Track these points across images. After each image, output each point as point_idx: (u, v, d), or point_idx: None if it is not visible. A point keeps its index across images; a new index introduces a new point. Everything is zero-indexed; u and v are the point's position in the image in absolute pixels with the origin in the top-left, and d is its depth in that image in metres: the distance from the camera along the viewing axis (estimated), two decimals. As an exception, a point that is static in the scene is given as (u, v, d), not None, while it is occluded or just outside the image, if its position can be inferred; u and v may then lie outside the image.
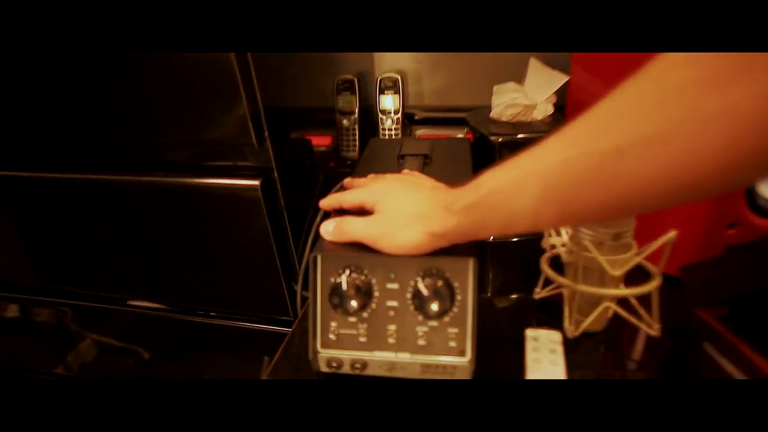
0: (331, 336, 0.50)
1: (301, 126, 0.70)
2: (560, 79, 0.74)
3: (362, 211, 0.50)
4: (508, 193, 0.36)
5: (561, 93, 0.76)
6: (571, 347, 0.53)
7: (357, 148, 0.97)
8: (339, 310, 0.47)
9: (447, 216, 0.42)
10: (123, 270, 0.72)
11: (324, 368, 0.50)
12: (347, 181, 0.60)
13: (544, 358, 0.51)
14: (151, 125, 0.58)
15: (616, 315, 0.56)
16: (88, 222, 0.67)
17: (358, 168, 0.69)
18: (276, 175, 0.59)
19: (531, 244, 0.72)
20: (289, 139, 0.64)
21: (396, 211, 0.45)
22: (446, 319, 0.47)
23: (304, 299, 0.67)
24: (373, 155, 0.73)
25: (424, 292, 0.45)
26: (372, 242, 0.46)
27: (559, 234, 0.56)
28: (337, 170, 0.90)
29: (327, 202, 0.54)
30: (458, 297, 0.47)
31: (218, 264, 0.66)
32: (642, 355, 0.52)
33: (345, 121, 0.97)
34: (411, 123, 0.99)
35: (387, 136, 0.98)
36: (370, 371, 0.50)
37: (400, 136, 0.97)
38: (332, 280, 0.48)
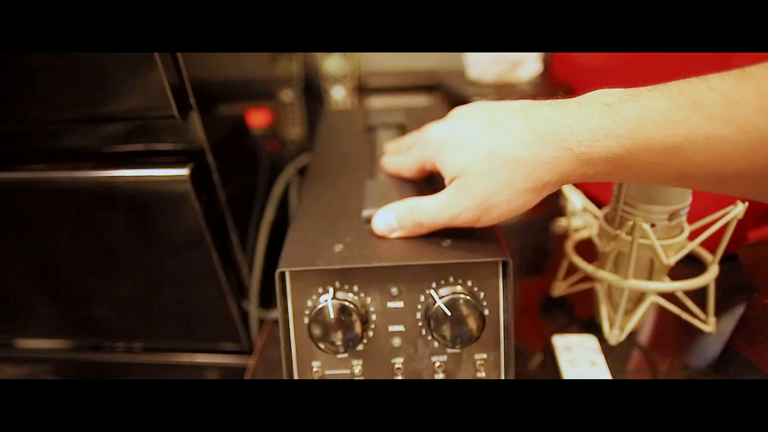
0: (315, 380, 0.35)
1: (230, 101, 0.54)
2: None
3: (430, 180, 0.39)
4: (685, 150, 0.25)
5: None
6: (607, 353, 0.43)
7: (302, 126, 0.82)
8: (323, 345, 0.33)
9: (565, 159, 0.28)
10: (7, 300, 0.52)
11: (305, 425, 0.37)
12: (390, 145, 0.47)
13: (586, 374, 0.40)
14: (31, 98, 0.39)
15: (653, 308, 0.46)
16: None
17: (316, 147, 0.54)
18: (211, 159, 0.42)
19: (539, 226, 0.61)
20: (220, 114, 0.48)
21: (476, 167, 0.31)
22: (472, 343, 0.35)
23: (261, 322, 0.52)
24: (333, 129, 0.58)
25: (441, 309, 0.32)
26: (464, 224, 0.33)
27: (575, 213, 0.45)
28: (282, 153, 0.73)
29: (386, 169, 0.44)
30: (487, 312, 0.34)
31: (139, 283, 0.48)
32: (696, 356, 0.43)
33: (286, 94, 0.80)
34: (362, 92, 0.84)
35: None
36: (370, 422, 0.37)
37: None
38: (309, 303, 0.34)
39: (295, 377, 0.35)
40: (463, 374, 0.35)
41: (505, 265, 0.33)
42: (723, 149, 0.24)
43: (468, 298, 0.32)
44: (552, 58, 0.66)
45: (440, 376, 0.35)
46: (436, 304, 0.32)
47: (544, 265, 0.57)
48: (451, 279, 0.34)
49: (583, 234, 0.47)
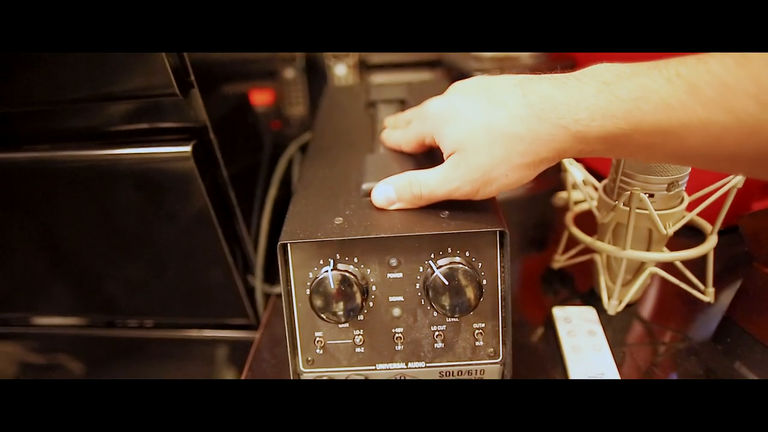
0: (318, 350, 0.37)
1: (231, 79, 0.54)
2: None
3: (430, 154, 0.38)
4: (678, 133, 0.25)
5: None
6: (607, 324, 0.44)
7: (305, 104, 0.82)
8: (325, 315, 0.34)
9: (561, 137, 0.29)
10: (19, 278, 0.54)
11: (310, 393, 0.38)
12: (389, 120, 0.46)
13: (584, 343, 0.41)
14: (36, 78, 0.40)
15: (653, 280, 0.47)
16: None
17: (317, 123, 0.54)
18: (213, 136, 0.43)
19: (542, 200, 0.62)
20: (222, 92, 0.48)
21: (474, 141, 0.31)
22: (470, 312, 0.35)
23: (267, 297, 0.53)
24: (334, 105, 0.58)
25: (439, 279, 0.33)
26: (462, 197, 0.34)
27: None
28: (285, 131, 0.74)
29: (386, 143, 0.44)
30: (485, 282, 0.35)
31: (146, 261, 0.50)
32: (695, 326, 0.44)
33: (288, 72, 0.80)
34: (366, 69, 0.84)
35: (340, 88, 0.82)
36: (372, 389, 0.38)
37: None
38: (311, 275, 0.35)
39: (299, 348, 0.36)
40: (461, 343, 0.36)
41: (502, 235, 0.34)
42: (717, 134, 0.24)
43: (466, 267, 0.33)
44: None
45: (439, 345, 0.36)
46: (434, 274, 0.33)
47: (546, 239, 0.57)
48: (450, 249, 0.34)
49: (583, 206, 0.47)
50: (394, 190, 0.35)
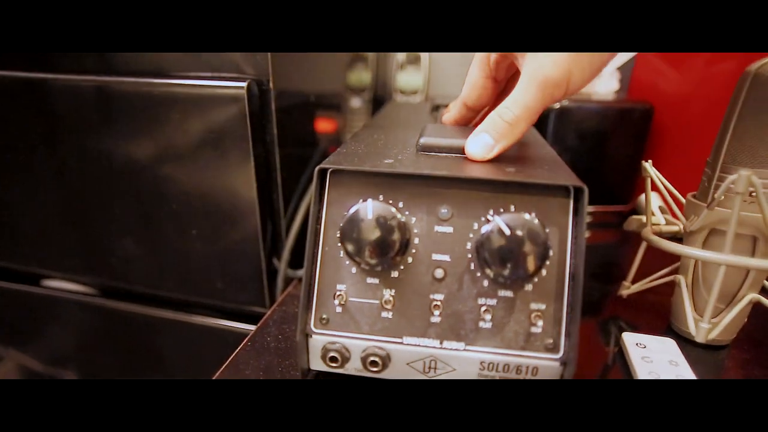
0: (336, 308, 0.30)
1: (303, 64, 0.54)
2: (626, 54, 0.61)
3: None
4: None
5: (625, 70, 0.62)
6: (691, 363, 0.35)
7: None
8: (354, 260, 0.29)
9: None
10: (30, 230, 0.51)
11: (317, 364, 0.31)
12: (453, 104, 0.43)
13: (664, 371, 0.33)
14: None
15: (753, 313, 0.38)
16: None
17: (374, 122, 0.52)
18: (272, 86, 0.41)
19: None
20: (291, 61, 0.48)
21: (552, 56, 0.30)
22: (528, 287, 0.29)
23: (287, 283, 0.47)
24: (397, 108, 0.57)
25: (498, 241, 0.27)
26: (554, 89, 0.30)
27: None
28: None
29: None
30: (552, 252, 0.29)
31: (178, 219, 0.46)
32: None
33: (355, 101, 0.81)
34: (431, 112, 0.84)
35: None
36: (393, 372, 0.31)
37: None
38: (347, 214, 0.30)
39: (314, 301, 0.30)
40: (513, 326, 0.29)
41: (577, 193, 0.28)
42: None
43: (532, 221, 0.27)
44: (630, 80, 0.63)
45: (485, 324, 0.29)
46: (493, 222, 0.28)
47: (610, 273, 0.50)
48: (513, 208, 0.29)
49: (663, 228, 0.41)
50: (486, 133, 0.31)
